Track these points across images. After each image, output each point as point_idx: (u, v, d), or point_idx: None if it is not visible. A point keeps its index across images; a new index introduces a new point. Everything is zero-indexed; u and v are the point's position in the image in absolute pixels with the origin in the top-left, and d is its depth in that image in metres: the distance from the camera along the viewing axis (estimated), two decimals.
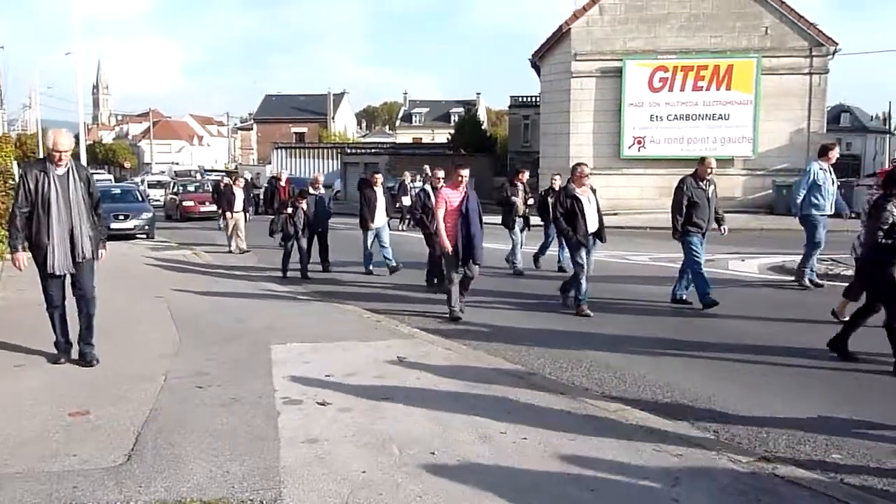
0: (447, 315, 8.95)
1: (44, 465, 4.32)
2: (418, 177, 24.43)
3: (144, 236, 20.45)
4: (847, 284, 8.51)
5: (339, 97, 77.12)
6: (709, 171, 9.54)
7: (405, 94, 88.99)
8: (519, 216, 13.09)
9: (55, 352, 6.64)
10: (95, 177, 6.66)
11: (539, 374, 6.40)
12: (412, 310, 9.58)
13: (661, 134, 27.86)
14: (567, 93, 28.73)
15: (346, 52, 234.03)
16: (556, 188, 12.85)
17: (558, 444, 4.64)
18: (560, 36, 28.94)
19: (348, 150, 47.98)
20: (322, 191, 14.18)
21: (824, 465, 4.50)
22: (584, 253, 9.11)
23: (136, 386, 5.85)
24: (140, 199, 23.29)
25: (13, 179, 12.42)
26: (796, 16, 27.31)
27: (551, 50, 29.55)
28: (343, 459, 4.39)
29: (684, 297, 9.70)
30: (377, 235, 13.08)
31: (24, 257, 6.39)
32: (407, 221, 19.77)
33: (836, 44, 27.39)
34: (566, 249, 13.10)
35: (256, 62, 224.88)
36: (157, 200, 36.75)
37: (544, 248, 13.52)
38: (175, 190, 32.57)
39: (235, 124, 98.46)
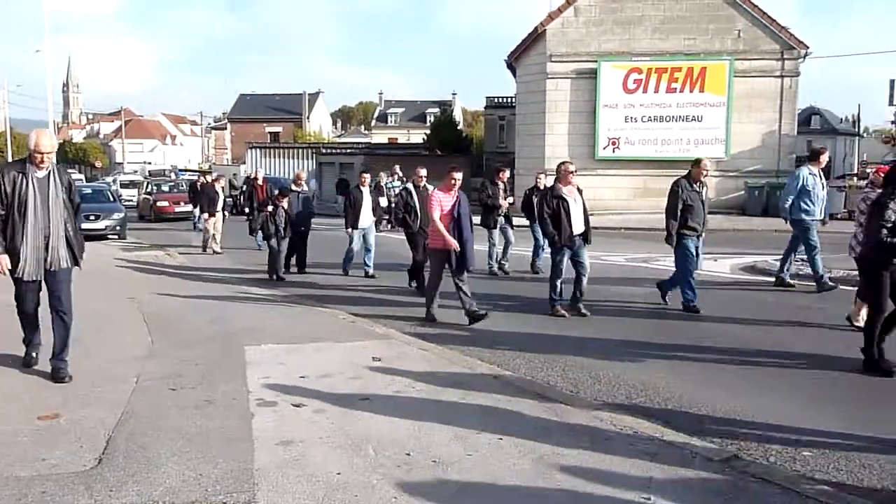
0: (424, 317, 8.91)
1: (12, 469, 4.24)
2: (389, 177, 24.30)
3: (116, 237, 20.22)
4: (857, 288, 8.37)
5: (314, 97, 76.80)
6: (704, 173, 9.45)
7: (381, 94, 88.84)
8: (500, 216, 12.92)
9: (25, 354, 6.43)
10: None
11: (515, 375, 6.42)
12: (393, 313, 9.37)
13: (636, 135, 28.08)
14: (542, 94, 28.86)
15: (322, 51, 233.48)
16: (542, 187, 12.70)
17: (533, 444, 4.65)
18: (535, 37, 29.07)
19: (323, 150, 47.74)
20: (305, 188, 13.81)
21: (795, 463, 4.56)
22: (566, 256, 8.97)
23: (108, 388, 5.77)
24: (112, 198, 23.03)
25: None
26: (768, 19, 27.67)
27: (527, 51, 29.66)
28: (318, 461, 4.37)
29: (694, 303, 9.26)
30: (363, 237, 12.84)
31: (6, 260, 5.93)
32: (386, 222, 19.58)
33: (807, 47, 27.80)
34: (545, 251, 13.15)
35: (230, 61, 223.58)
36: (129, 200, 36.35)
37: (537, 248, 13.13)
38: (149, 190, 32.21)
39: (209, 124, 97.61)
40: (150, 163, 73.18)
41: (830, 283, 10.48)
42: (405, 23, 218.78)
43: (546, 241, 12.83)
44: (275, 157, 45.73)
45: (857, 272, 10.65)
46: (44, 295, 6.18)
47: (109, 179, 47.45)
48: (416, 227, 11.00)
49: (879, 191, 7.77)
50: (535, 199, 12.59)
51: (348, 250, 12.96)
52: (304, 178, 14.09)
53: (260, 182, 18.83)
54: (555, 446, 4.62)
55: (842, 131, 73.91)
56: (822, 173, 10.79)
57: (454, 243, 8.54)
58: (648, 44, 28.00)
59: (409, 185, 11.60)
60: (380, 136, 76.56)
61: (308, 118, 73.08)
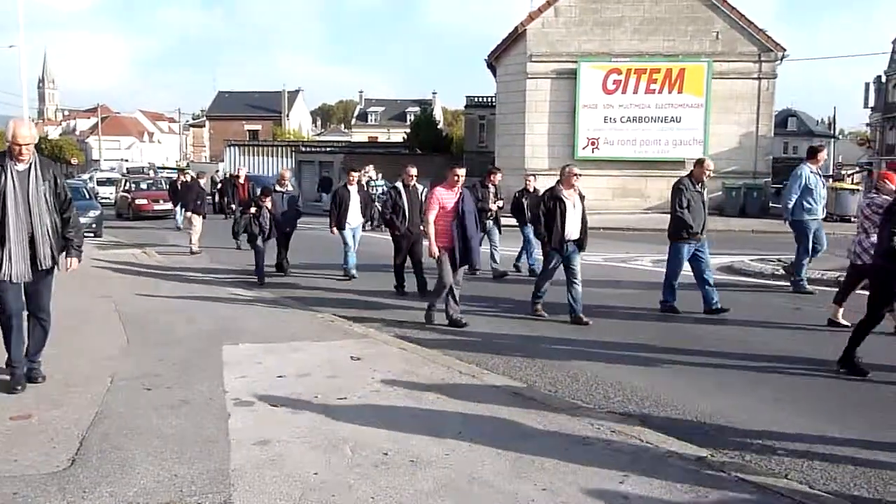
0: (423, 319, 8.65)
1: None
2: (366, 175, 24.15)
3: (92, 234, 19.95)
4: (837, 290, 8.44)
5: (293, 95, 76.52)
6: (706, 173, 9.27)
7: (361, 92, 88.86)
8: (489, 218, 12.46)
9: (11, 377, 5.68)
10: None
11: (493, 375, 6.41)
12: (385, 316, 9.12)
13: (615, 136, 28.25)
14: (522, 94, 28.95)
15: (302, 49, 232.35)
16: (531, 189, 12.69)
17: (511, 443, 4.65)
18: (516, 37, 29.15)
19: (303, 149, 47.53)
20: (290, 188, 13.33)
21: (770, 462, 4.60)
22: (555, 259, 8.79)
23: (82, 388, 5.70)
24: (87, 196, 22.75)
25: None
26: (746, 22, 27.95)
27: (507, 51, 29.74)
28: (295, 461, 4.34)
29: (718, 305, 9.13)
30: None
31: None
32: (371, 221, 19.31)
33: (784, 50, 28.12)
34: (529, 253, 12.83)
35: (209, 58, 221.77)
36: (107, 198, 35.96)
37: (529, 252, 12.88)
38: (127, 187, 31.77)
39: (187, 121, 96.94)
40: (127, 160, 72.47)
41: (808, 289, 10.46)
42: (385, 21, 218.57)
43: (538, 244, 12.88)
44: (254, 155, 45.42)
45: (832, 272, 10.85)
46: None
47: (86, 177, 46.85)
48: (404, 228, 10.73)
49: (886, 197, 7.81)
50: (524, 202, 12.60)
51: (346, 254, 12.33)
52: (288, 177, 13.64)
53: (242, 180, 18.43)
54: (532, 445, 4.63)
55: (818, 133, 74.91)
56: (821, 171, 10.66)
57: (434, 249, 8.41)
58: (628, 45, 28.18)
59: (399, 185, 11.17)
60: (360, 135, 76.49)
61: (287, 116, 72.80)
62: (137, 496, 3.88)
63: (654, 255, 15.83)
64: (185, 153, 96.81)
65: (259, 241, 12.06)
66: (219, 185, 29.50)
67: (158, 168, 56.68)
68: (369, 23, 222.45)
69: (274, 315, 8.98)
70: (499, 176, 12.93)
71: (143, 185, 31.68)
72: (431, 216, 8.48)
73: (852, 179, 36.94)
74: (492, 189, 12.68)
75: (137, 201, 28.78)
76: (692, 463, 4.37)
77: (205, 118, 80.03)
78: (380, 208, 18.95)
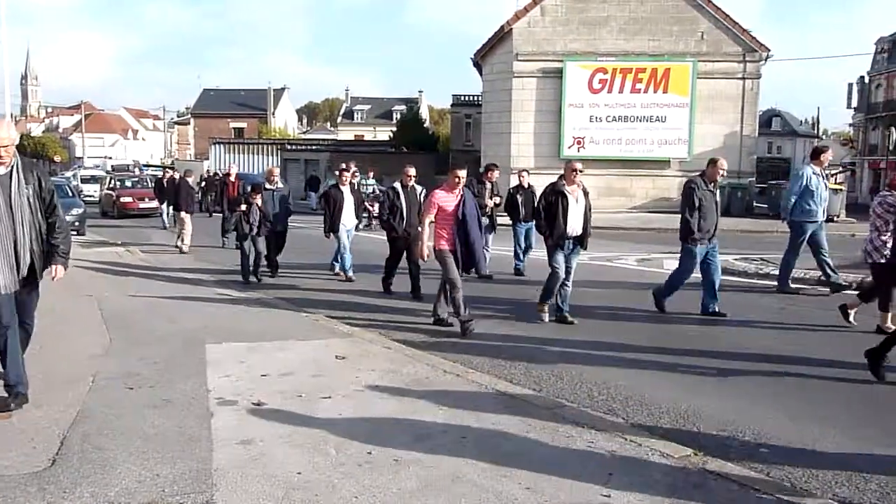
0: (431, 322, 8.52)
1: None
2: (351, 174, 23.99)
3: (75, 233, 19.78)
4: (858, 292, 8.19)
5: (279, 92, 76.23)
6: (720, 172, 8.98)
7: (347, 90, 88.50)
8: (485, 216, 11.76)
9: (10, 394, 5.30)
10: None
11: (478, 374, 6.40)
12: (370, 317, 8.94)
13: (601, 135, 28.37)
14: (509, 92, 29.02)
15: (288, 47, 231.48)
16: (526, 186, 12.52)
17: (494, 442, 4.66)
18: (502, 36, 29.20)
19: (288, 147, 47.43)
20: (280, 185, 13.04)
21: (753, 460, 4.63)
22: (560, 256, 8.47)
23: (63, 388, 5.65)
24: (70, 193, 22.53)
25: None
26: (731, 22, 28.14)
27: (493, 50, 29.78)
28: (278, 460, 4.32)
29: (716, 308, 9.00)
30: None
31: None
32: (364, 221, 19.02)
33: (769, 50, 28.34)
34: (532, 248, 12.49)
35: (194, 55, 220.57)
36: (91, 196, 35.65)
37: (517, 253, 12.71)
38: (112, 185, 31.34)
39: (172, 119, 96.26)
40: (111, 158, 71.99)
41: (793, 287, 10.44)
42: (372, 19, 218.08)
43: (526, 243, 12.47)
44: (239, 152, 45.28)
45: (815, 272, 10.92)
46: None
47: (69, 174, 46.45)
48: (402, 229, 10.47)
49: None
50: (518, 198, 12.43)
51: (342, 257, 12.10)
52: (277, 174, 13.32)
53: (232, 178, 18.13)
54: (516, 443, 4.64)
55: (802, 133, 75.45)
56: (824, 173, 10.49)
57: (424, 252, 8.26)
58: (613, 44, 28.30)
59: (397, 185, 10.83)
60: (346, 133, 76.27)
61: (273, 114, 72.53)
62: (119, 496, 3.84)
63: (640, 254, 15.93)
64: (169, 151, 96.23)
65: (247, 241, 11.81)
66: (202, 184, 29.33)
67: (143, 166, 56.27)
68: (356, 21, 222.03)
69: (259, 314, 8.93)
70: (496, 173, 12.67)
71: (129, 183, 31.36)
72: (427, 220, 8.29)
73: (836, 179, 37.23)
74: (489, 186, 12.37)
75: (122, 199, 28.56)
76: (675, 461, 4.39)
77: (190, 116, 79.53)
78: (370, 208, 18.89)
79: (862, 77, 57.82)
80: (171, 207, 22.50)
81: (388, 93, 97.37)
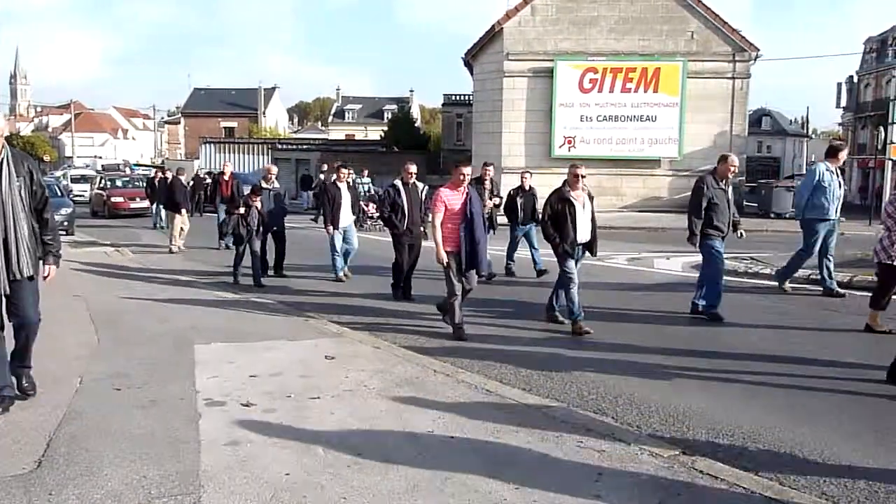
0: (453, 334, 7.93)
1: None
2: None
3: (64, 232, 19.67)
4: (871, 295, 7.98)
5: (270, 92, 75.99)
6: (731, 170, 8.77)
7: (338, 89, 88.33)
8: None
9: None
10: None
11: (468, 373, 6.38)
12: (385, 323, 8.62)
13: (591, 134, 28.41)
14: (499, 92, 29.03)
15: (279, 46, 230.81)
16: (527, 187, 12.21)
17: (484, 442, 4.65)
18: (492, 35, 29.20)
19: (279, 146, 47.25)
20: (276, 185, 12.74)
21: (741, 458, 4.63)
22: (572, 263, 8.17)
23: (50, 389, 5.60)
24: (59, 193, 22.40)
25: None
26: (720, 22, 28.22)
27: (484, 49, 29.79)
28: (266, 462, 4.30)
29: (701, 307, 8.88)
30: (343, 237, 11.94)
31: None
32: (362, 221, 18.77)
33: (758, 50, 28.44)
34: (538, 250, 12.10)
35: (184, 55, 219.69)
36: (81, 196, 35.45)
37: (511, 252, 12.48)
38: (102, 185, 31.05)
39: (162, 118, 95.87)
40: (100, 157, 71.61)
41: (789, 289, 10.35)
42: (363, 18, 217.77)
43: (530, 244, 12.14)
44: (229, 152, 45.03)
45: (803, 270, 10.95)
46: None
47: (59, 174, 46.17)
48: (404, 227, 10.22)
49: None
50: (518, 200, 12.12)
51: (333, 256, 11.91)
52: (274, 173, 12.95)
53: (227, 178, 17.81)
54: (505, 443, 4.63)
55: (791, 132, 75.73)
56: (839, 171, 10.19)
57: (443, 255, 7.83)
58: (604, 44, 28.35)
59: (398, 182, 10.52)
60: (337, 133, 76.17)
61: (264, 113, 72.29)
62: (105, 498, 3.82)
63: (630, 253, 15.95)
64: (160, 150, 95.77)
65: (243, 244, 11.59)
66: (191, 183, 29.18)
67: (134, 165, 55.99)
68: (347, 20, 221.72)
69: (249, 314, 8.88)
70: (491, 170, 12.38)
71: (119, 183, 31.10)
72: (438, 219, 7.92)
73: None
74: (487, 185, 12.07)
75: (113, 199, 28.32)
76: (664, 461, 4.39)
77: (180, 115, 79.22)
78: (365, 208, 18.78)
79: (851, 76, 58.11)
80: (162, 207, 22.42)
81: (380, 92, 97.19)
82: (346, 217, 12.11)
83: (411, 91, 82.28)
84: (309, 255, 13.72)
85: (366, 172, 24.63)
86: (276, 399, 5.48)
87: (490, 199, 11.95)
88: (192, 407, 5.27)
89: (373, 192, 23.91)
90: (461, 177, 8.02)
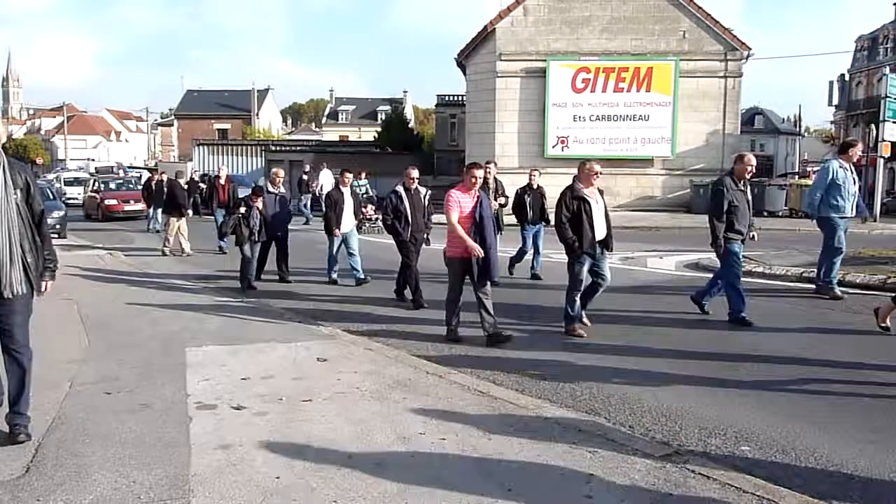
0: (445, 335, 7.82)
1: None
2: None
3: (56, 235, 19.58)
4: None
5: (263, 93, 75.99)
6: (748, 169, 8.49)
7: (331, 91, 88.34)
8: None
9: None
10: None
11: (461, 375, 6.36)
12: (388, 329, 8.35)
13: (584, 134, 28.41)
14: (492, 92, 29.01)
15: (272, 48, 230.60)
16: (535, 186, 11.98)
17: (476, 443, 4.64)
18: (485, 35, 29.19)
19: (273, 148, 47.19)
20: (282, 189, 12.46)
21: (734, 458, 4.63)
22: (586, 265, 7.94)
23: (39, 394, 5.51)
24: (51, 196, 22.33)
25: None
26: (712, 21, 28.27)
27: (476, 49, 29.76)
28: (257, 465, 4.28)
29: (706, 308, 8.84)
30: (344, 242, 11.69)
31: None
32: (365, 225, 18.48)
33: (750, 49, 28.50)
34: (541, 254, 11.98)
35: (177, 56, 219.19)
36: (75, 199, 35.32)
37: (522, 253, 12.17)
38: (95, 187, 30.79)
39: (155, 120, 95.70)
40: (93, 160, 71.41)
41: (839, 293, 9.65)
42: (356, 19, 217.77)
43: (534, 246, 11.86)
44: (222, 154, 45.00)
45: (796, 269, 10.96)
46: None
47: (51, 177, 46.03)
48: (408, 234, 9.90)
49: None
50: (527, 199, 11.85)
51: (330, 257, 11.79)
52: (282, 176, 12.68)
53: (223, 181, 17.61)
54: (498, 444, 4.62)
55: (784, 131, 75.93)
56: (853, 167, 9.95)
57: (478, 249, 7.47)
58: (596, 43, 28.36)
59: (399, 188, 10.13)
60: (331, 134, 76.16)
61: (257, 115, 72.30)
62: (93, 503, 3.79)
63: (624, 252, 15.92)
64: (153, 153, 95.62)
65: (247, 246, 11.32)
66: (185, 186, 29.05)
67: (127, 168, 55.85)
68: (340, 21, 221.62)
69: (241, 317, 8.84)
70: (493, 169, 11.95)
71: (113, 185, 30.90)
72: (455, 216, 7.61)
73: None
74: (491, 184, 11.65)
75: (107, 202, 28.08)
76: (656, 461, 4.37)
77: (173, 117, 79.11)
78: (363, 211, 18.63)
79: (842, 75, 58.36)
80: (159, 210, 22.28)
81: (373, 93, 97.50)
82: (349, 222, 11.83)
83: (405, 92, 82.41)
84: (309, 258, 13.61)
85: (363, 174, 24.53)
86: (268, 402, 5.46)
87: (496, 198, 11.66)
88: (183, 410, 5.24)
89: (371, 194, 23.85)
90: (473, 179, 7.72)
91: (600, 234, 7.95)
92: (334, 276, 11.76)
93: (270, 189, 12.15)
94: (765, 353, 7.12)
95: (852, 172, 9.85)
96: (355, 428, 4.91)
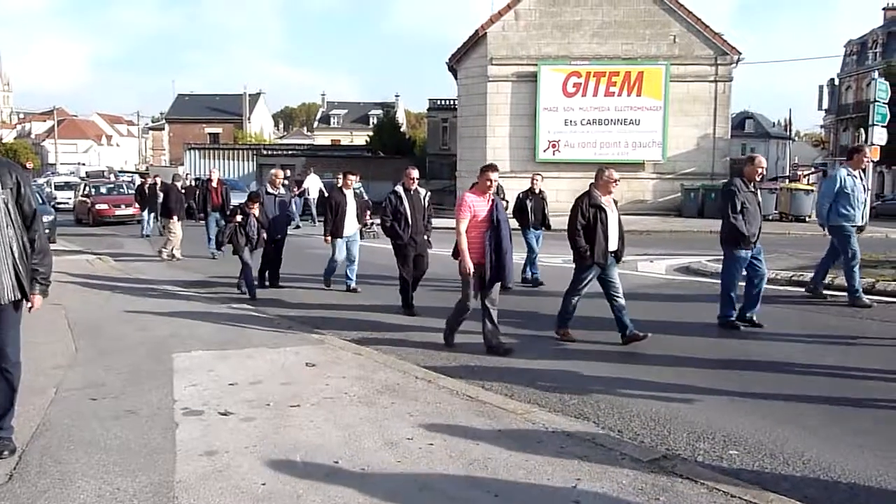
0: (439, 342, 7.68)
1: None
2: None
3: None
4: None
5: (255, 97, 75.88)
6: (758, 171, 8.33)
7: (323, 95, 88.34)
8: None
9: None
10: None
11: (450, 379, 6.34)
12: (381, 336, 8.22)
13: (575, 138, 28.47)
14: (484, 96, 29.05)
15: (264, 52, 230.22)
16: (537, 191, 11.82)
17: (464, 448, 4.61)
18: (476, 40, 29.23)
19: (264, 152, 47.16)
20: (281, 190, 12.11)
21: (722, 462, 4.63)
22: (592, 274, 7.78)
23: (24, 400, 5.45)
24: (41, 200, 22.15)
25: None
26: (702, 25, 28.40)
27: (468, 54, 29.81)
28: (243, 472, 4.25)
29: (753, 317, 8.46)
30: (346, 247, 11.37)
31: None
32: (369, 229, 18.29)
33: (740, 53, 28.62)
34: (535, 263, 11.69)
35: (168, 60, 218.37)
36: (65, 203, 35.13)
37: (532, 260, 11.89)
38: (86, 192, 30.33)
39: (147, 124, 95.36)
40: (84, 164, 71.15)
41: (866, 300, 9.41)
42: (348, 23, 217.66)
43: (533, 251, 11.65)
44: (213, 158, 44.89)
45: (785, 272, 10.98)
46: None
47: (42, 181, 45.78)
48: (407, 236, 9.61)
49: None
50: (529, 203, 11.70)
51: (330, 261, 11.41)
52: (281, 177, 12.29)
53: (215, 184, 17.41)
54: (485, 450, 4.59)
55: (774, 135, 76.25)
56: (861, 174, 9.81)
57: (469, 264, 7.29)
58: (587, 48, 28.45)
59: (399, 189, 9.86)
60: (322, 138, 76.07)
61: (249, 119, 72.16)
62: None
63: None
64: (144, 157, 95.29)
65: (245, 253, 10.96)
66: (183, 190, 28.93)
67: (119, 172, 55.66)
68: (332, 25, 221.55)
69: (230, 323, 8.76)
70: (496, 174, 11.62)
71: (104, 190, 30.62)
72: (463, 226, 7.36)
73: (808, 180, 37.67)
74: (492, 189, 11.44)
75: (98, 206, 27.79)
76: (644, 465, 4.36)
77: (164, 121, 78.91)
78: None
79: (832, 79, 58.70)
80: (152, 215, 22.16)
81: (365, 97, 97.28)
82: (351, 226, 11.45)
83: (397, 96, 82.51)
84: (299, 263, 13.52)
85: (357, 177, 24.45)
86: (256, 407, 5.43)
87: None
88: (169, 416, 5.21)
89: (365, 198, 23.78)
90: (488, 182, 7.44)
91: (613, 244, 7.79)
92: (328, 278, 11.46)
93: (270, 190, 11.85)
94: (754, 358, 7.13)
95: (861, 180, 9.65)
96: (343, 433, 4.88)
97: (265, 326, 8.50)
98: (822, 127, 69.70)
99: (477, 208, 7.43)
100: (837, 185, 9.53)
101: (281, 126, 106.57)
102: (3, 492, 3.97)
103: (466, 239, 7.35)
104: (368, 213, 19.13)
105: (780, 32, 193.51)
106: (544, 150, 28.50)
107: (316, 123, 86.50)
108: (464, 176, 29.96)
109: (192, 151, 46.48)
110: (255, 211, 11.07)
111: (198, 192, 18.11)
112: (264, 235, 11.17)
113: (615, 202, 8.01)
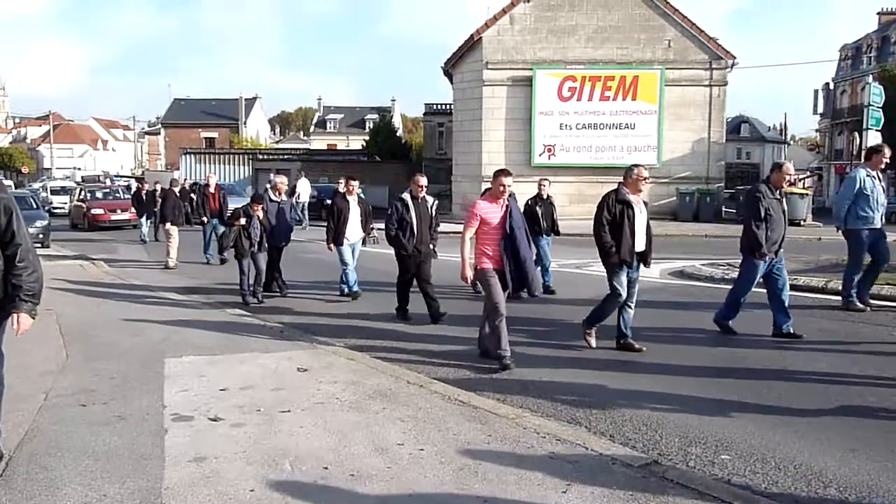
0: (497, 364, 6.97)
1: None
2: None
3: (39, 245, 19.39)
4: None
5: (251, 102, 75.82)
6: (786, 178, 8.17)
7: (319, 99, 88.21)
8: None
9: None
10: None
11: (441, 385, 6.32)
12: (376, 344, 8.05)
13: (571, 142, 28.51)
14: (479, 101, 29.08)
15: (260, 56, 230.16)
16: (545, 196, 11.58)
17: (454, 454, 4.59)
18: (472, 44, 29.27)
19: (260, 156, 47.13)
20: (284, 198, 12.00)
21: (713, 467, 4.61)
22: (623, 276, 7.50)
23: (12, 406, 5.43)
24: (35, 205, 22.13)
25: None
26: (697, 30, 28.48)
27: (463, 58, 29.84)
28: (231, 478, 4.22)
29: (790, 329, 8.08)
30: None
31: None
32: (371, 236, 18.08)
33: (734, 57, 28.71)
34: (546, 268, 11.35)
35: (165, 64, 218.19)
36: (61, 208, 35.04)
37: (546, 267, 11.60)
38: (82, 196, 30.32)
39: (142, 129, 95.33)
40: (80, 168, 71.06)
41: (859, 304, 9.25)
42: (344, 28, 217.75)
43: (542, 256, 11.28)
44: (209, 162, 44.84)
45: None
46: None
47: (37, 186, 45.68)
48: (412, 247, 9.29)
49: None
50: (538, 210, 11.41)
51: (343, 271, 11.02)
52: (285, 183, 12.15)
53: (212, 189, 17.28)
54: (476, 455, 4.57)
55: (770, 139, 76.53)
56: (880, 175, 9.43)
57: (468, 271, 7.14)
58: (582, 52, 28.50)
59: (406, 196, 9.51)
60: (319, 142, 76.10)
61: (245, 123, 72.11)
62: None
63: None
64: (140, 161, 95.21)
65: (246, 260, 10.77)
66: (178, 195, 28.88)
67: (114, 177, 55.58)
68: (328, 30, 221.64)
69: (223, 328, 8.72)
70: (509, 179, 11.14)
71: (100, 194, 30.51)
72: (469, 233, 7.16)
73: (804, 184, 37.75)
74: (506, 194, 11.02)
75: (94, 211, 27.72)
76: (636, 470, 4.35)
77: (160, 126, 78.87)
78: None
79: (827, 83, 58.79)
80: (150, 220, 22.11)
81: (361, 101, 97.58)
82: (355, 233, 11.13)
83: (393, 100, 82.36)
84: (302, 270, 13.48)
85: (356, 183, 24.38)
86: (246, 413, 5.40)
87: None
88: (159, 422, 5.18)
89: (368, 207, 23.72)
90: (501, 188, 7.09)
91: (640, 245, 7.55)
92: (355, 288, 10.98)
93: (273, 198, 11.65)
94: (748, 363, 7.13)
95: (881, 181, 9.39)
96: (333, 438, 4.86)
97: (258, 332, 8.47)
98: (817, 131, 69.81)
99: (489, 216, 7.11)
100: (857, 185, 9.22)
101: (277, 130, 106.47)
102: None
103: (482, 247, 7.11)
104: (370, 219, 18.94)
105: (775, 37, 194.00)
106: (540, 155, 28.52)
107: (312, 128, 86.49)
108: (460, 180, 30.01)
109: (188, 156, 46.43)
110: (259, 213, 10.95)
111: (195, 197, 18.02)
112: (265, 239, 11.05)
113: (645, 203, 7.77)
